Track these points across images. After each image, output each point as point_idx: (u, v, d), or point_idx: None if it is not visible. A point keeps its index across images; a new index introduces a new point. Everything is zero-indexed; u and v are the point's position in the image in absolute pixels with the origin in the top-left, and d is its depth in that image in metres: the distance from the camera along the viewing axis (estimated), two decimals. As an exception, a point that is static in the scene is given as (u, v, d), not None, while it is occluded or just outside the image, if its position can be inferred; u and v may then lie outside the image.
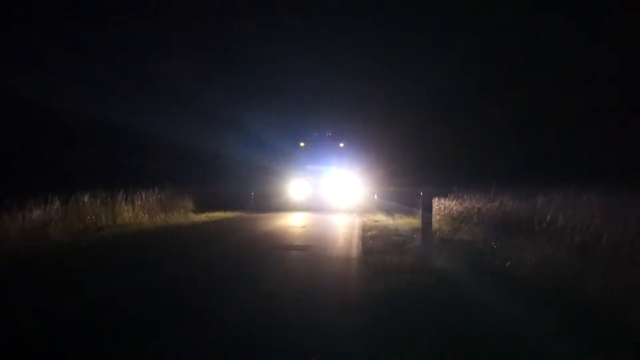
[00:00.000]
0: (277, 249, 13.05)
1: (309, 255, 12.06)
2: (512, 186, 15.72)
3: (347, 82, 43.39)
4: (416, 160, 33.34)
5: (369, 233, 16.07)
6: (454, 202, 18.05)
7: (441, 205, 18.53)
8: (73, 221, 15.48)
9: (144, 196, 20.41)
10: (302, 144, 32.28)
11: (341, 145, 32.27)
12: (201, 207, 24.56)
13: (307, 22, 42.76)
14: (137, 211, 19.63)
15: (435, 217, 15.90)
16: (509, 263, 9.65)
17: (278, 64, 44.48)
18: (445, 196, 18.97)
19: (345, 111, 39.08)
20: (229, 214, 24.28)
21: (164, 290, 8.32)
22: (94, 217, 16.74)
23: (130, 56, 32.67)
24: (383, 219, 21.27)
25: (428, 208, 9.88)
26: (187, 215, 22.91)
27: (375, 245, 13.04)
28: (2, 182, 16.65)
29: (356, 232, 16.93)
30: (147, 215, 20.01)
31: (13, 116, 22.79)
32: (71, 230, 14.94)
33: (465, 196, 17.70)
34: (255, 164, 32.30)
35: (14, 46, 25.87)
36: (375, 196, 31.34)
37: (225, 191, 29.30)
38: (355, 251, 12.57)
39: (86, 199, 16.66)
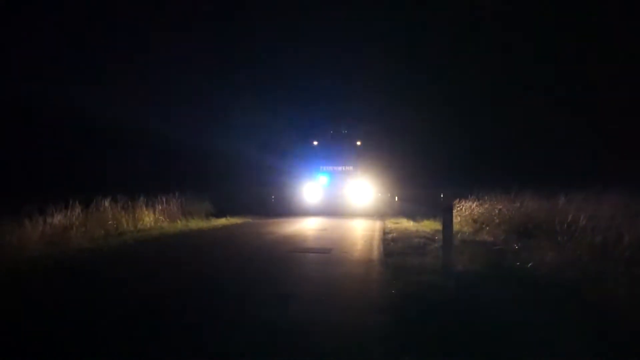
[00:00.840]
0: (299, 251, 13.20)
1: (330, 258, 12.11)
2: (532, 187, 15.70)
3: (364, 78, 41.84)
4: (436, 161, 32.94)
5: (389, 235, 16.05)
6: (475, 203, 18.03)
7: (462, 207, 18.50)
8: (94, 226, 15.52)
9: (164, 200, 20.51)
10: (315, 142, 30.58)
11: (358, 143, 30.38)
12: (221, 211, 24.60)
13: (323, 15, 41.41)
14: (158, 215, 19.74)
15: (457, 219, 15.86)
16: (530, 264, 9.64)
17: (291, 58, 42.87)
18: (465, 198, 18.95)
19: (363, 107, 37.49)
20: (249, 219, 24.33)
21: (190, 292, 8.49)
22: (114, 222, 16.82)
23: (149, 60, 32.65)
24: (403, 222, 21.16)
25: (448, 209, 9.86)
26: (208, 219, 22.98)
27: (396, 248, 13.08)
28: (23, 187, 16.84)
29: (376, 235, 16.96)
30: (167, 220, 20.12)
31: (33, 122, 23.08)
32: (92, 235, 14.96)
33: (485, 197, 17.69)
34: (269, 166, 30.60)
35: (37, 51, 26.17)
36: (397, 198, 30.46)
37: (242, 194, 29.13)
38: (375, 254, 12.63)
39: (107, 203, 16.75)
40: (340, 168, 30.01)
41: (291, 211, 28.22)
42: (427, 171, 30.80)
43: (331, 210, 28.09)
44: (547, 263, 9.48)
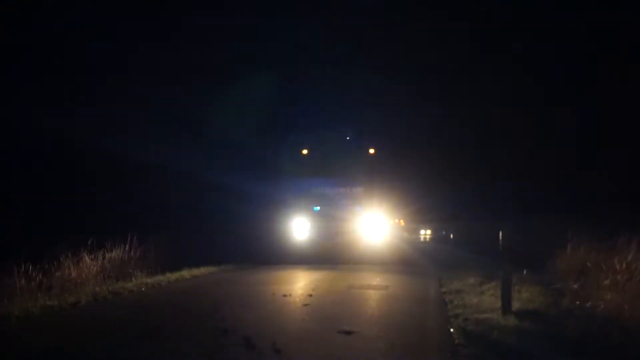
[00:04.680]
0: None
1: None
2: (587, 225, 15.54)
3: (380, 63, 35.53)
4: (477, 190, 30.89)
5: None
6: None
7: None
8: (151, 261, 15.93)
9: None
10: (304, 151, 21.28)
11: (371, 151, 21.17)
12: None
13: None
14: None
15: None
16: (589, 303, 9.59)
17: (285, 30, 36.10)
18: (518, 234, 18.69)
19: (377, 102, 30.87)
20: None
21: (252, 324, 8.69)
22: (171, 256, 17.12)
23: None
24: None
25: (508, 248, 9.91)
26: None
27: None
28: (80, 222, 17.29)
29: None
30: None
31: (90, 159, 23.66)
32: (149, 269, 15.50)
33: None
34: (229, 189, 22.08)
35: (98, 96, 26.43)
36: (451, 236, 25.16)
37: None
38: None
39: (164, 239, 17.13)
40: (342, 190, 21.05)
41: (259, 258, 19.40)
42: (474, 201, 28.62)
43: (326, 256, 19.25)
44: (607, 303, 9.43)
